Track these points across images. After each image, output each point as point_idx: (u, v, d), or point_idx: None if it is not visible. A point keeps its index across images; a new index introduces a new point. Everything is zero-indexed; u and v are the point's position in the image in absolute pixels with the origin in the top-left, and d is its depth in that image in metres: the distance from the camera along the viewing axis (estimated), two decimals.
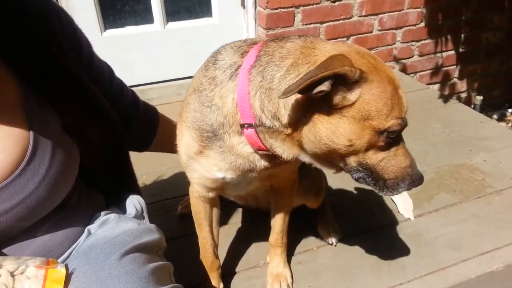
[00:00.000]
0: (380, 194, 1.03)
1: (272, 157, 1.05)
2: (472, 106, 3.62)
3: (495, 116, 3.58)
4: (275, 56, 0.94)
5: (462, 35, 3.35)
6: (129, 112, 1.35)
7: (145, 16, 2.80)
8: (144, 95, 2.80)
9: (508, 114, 3.74)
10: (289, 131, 0.94)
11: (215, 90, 1.01)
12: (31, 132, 0.93)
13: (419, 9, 3.12)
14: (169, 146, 1.62)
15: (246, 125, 0.97)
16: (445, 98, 2.78)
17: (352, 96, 0.87)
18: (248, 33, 2.94)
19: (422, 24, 3.20)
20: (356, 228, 1.72)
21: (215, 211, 1.34)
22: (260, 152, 1.03)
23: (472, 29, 3.35)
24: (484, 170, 2.05)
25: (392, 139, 0.93)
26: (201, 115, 1.04)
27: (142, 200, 1.30)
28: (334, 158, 0.98)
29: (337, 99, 0.87)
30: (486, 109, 3.68)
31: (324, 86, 0.83)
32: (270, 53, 0.95)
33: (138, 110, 1.41)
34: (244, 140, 1.02)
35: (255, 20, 2.87)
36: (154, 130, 1.48)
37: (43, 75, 0.99)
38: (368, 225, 1.74)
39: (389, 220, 1.76)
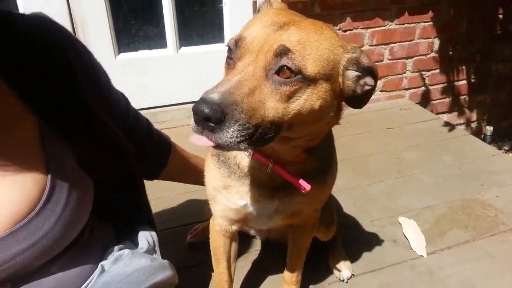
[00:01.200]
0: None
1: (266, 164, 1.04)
2: (482, 136, 3.60)
3: (505, 147, 3.56)
4: None
5: (473, 66, 3.36)
6: (143, 142, 1.36)
7: (158, 41, 2.83)
8: (155, 117, 2.81)
9: None
10: None
11: None
12: (49, 172, 0.93)
13: (430, 40, 3.14)
14: (179, 177, 1.62)
15: None
16: (456, 130, 2.77)
17: None
18: None
19: (433, 54, 3.21)
20: (368, 264, 1.69)
21: (234, 247, 1.33)
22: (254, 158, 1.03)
23: (482, 60, 3.36)
24: (497, 207, 2.03)
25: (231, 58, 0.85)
26: None
27: (154, 233, 1.30)
28: None
29: None
30: (496, 139, 3.67)
31: None
32: None
33: (152, 140, 1.41)
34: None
35: None
36: (165, 161, 1.48)
37: (59, 109, 0.99)
38: (380, 262, 1.71)
39: (402, 256, 1.74)
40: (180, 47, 2.88)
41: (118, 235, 1.25)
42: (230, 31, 2.91)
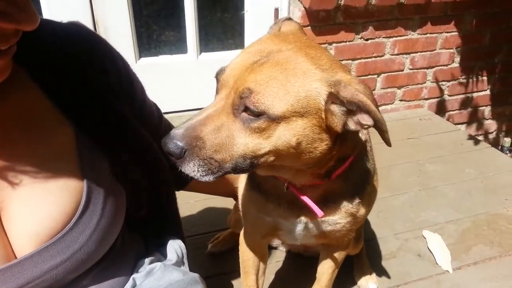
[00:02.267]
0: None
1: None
2: (499, 147, 3.56)
3: None
4: None
5: (493, 77, 3.32)
6: None
7: (179, 46, 2.83)
8: (174, 123, 2.80)
9: None
10: None
11: None
12: (85, 182, 0.91)
13: (451, 50, 3.12)
14: (208, 189, 1.61)
15: None
16: (478, 142, 2.73)
17: None
18: None
19: (454, 65, 3.19)
20: (393, 278, 1.67)
21: (263, 260, 1.32)
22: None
23: (503, 71, 3.32)
24: None
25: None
26: None
27: (183, 245, 1.28)
28: None
29: None
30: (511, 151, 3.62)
31: None
32: None
33: None
34: None
35: None
36: None
37: (95, 118, 0.98)
38: (406, 276, 1.69)
39: (427, 272, 1.71)
40: (201, 53, 2.89)
41: (147, 245, 1.24)
42: (251, 38, 2.90)
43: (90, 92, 0.98)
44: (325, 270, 1.33)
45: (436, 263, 1.75)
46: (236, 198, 1.69)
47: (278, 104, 0.77)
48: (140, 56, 2.78)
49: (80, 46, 0.98)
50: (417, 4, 2.83)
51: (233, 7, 2.85)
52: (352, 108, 0.79)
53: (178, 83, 2.88)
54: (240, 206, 1.23)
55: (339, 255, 1.29)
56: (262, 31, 3.14)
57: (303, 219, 1.09)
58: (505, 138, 3.60)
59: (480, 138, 3.49)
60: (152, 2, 2.71)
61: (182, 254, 1.27)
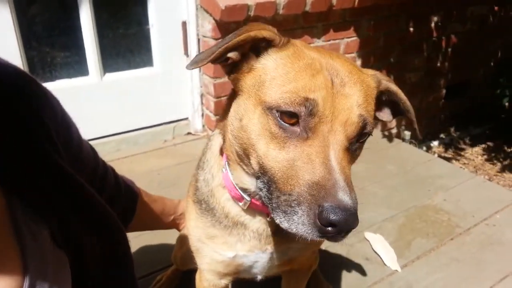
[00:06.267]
0: (274, 219, 0.73)
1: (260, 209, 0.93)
2: (401, 140, 3.85)
3: (424, 148, 3.84)
4: None
5: (391, 76, 3.58)
6: (113, 194, 1.17)
7: (79, 68, 2.54)
8: None
9: (433, 146, 4.04)
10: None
11: (207, 144, 1.02)
12: (25, 265, 0.73)
13: (353, 54, 3.28)
14: (147, 225, 1.44)
15: (223, 167, 0.93)
16: (390, 139, 2.90)
17: (256, 63, 0.79)
18: (192, 82, 2.81)
19: None
20: (349, 287, 1.65)
21: None
22: (240, 203, 0.92)
23: (398, 70, 3.60)
24: (447, 210, 2.13)
25: (293, 125, 0.71)
26: (197, 181, 1.02)
27: None
28: (247, 157, 0.79)
29: (243, 68, 0.80)
30: (412, 143, 3.94)
31: (233, 54, 0.78)
32: None
33: (120, 189, 1.23)
34: (228, 195, 0.94)
35: (200, 68, 2.77)
36: (133, 210, 1.30)
37: (30, 177, 0.78)
38: (360, 283, 1.68)
39: (378, 275, 1.72)
40: (105, 74, 2.62)
41: None
42: (159, 54, 2.72)
43: (24, 149, 0.77)
44: None
45: (384, 264, 1.77)
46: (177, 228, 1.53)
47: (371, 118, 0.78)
48: None
49: (13, 94, 0.78)
50: (320, 12, 2.92)
51: (137, 23, 2.65)
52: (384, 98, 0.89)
53: (81, 109, 2.57)
54: (191, 244, 1.09)
55: (303, 280, 1.22)
56: (171, 45, 2.96)
57: (269, 248, 0.99)
58: (405, 132, 3.91)
59: (385, 133, 3.74)
60: (42, 22, 2.39)
61: None
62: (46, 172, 0.80)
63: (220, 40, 0.74)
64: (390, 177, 2.44)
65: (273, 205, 0.71)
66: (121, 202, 1.23)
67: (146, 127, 2.83)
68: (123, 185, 1.27)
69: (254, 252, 1.00)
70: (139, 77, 2.72)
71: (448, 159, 3.51)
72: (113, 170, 1.25)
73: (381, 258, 1.80)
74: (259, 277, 1.11)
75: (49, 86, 2.51)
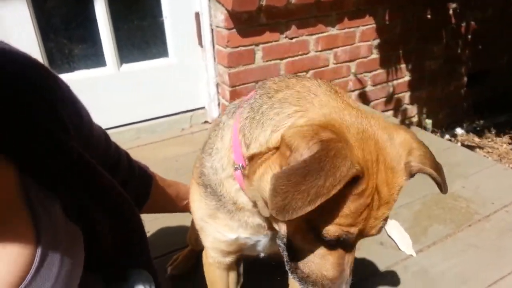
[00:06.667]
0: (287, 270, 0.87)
1: None
2: (423, 128, 3.78)
3: (447, 137, 3.76)
4: (271, 88, 0.86)
5: (409, 64, 3.52)
6: (126, 178, 1.20)
7: (96, 59, 2.59)
8: None
9: (457, 134, 3.96)
10: (246, 170, 0.83)
11: (218, 132, 0.97)
12: (37, 234, 0.76)
13: (369, 42, 3.23)
14: (161, 208, 1.48)
15: (236, 167, 0.87)
16: (411, 127, 2.85)
17: None
18: (207, 71, 2.83)
19: (373, 56, 3.31)
20: (362, 270, 1.64)
21: (232, 277, 1.21)
22: None
23: (417, 58, 3.53)
24: (466, 197, 2.09)
25: (327, 242, 0.77)
26: (203, 167, 0.99)
27: (151, 277, 1.12)
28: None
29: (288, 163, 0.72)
30: (434, 131, 3.87)
31: None
32: (267, 86, 0.87)
33: (134, 173, 1.26)
34: (239, 186, 0.91)
35: (214, 58, 2.78)
36: (147, 195, 1.33)
37: (41, 157, 0.81)
38: (373, 267, 1.66)
39: (393, 259, 1.70)
40: (121, 65, 2.66)
41: (107, 282, 1.08)
42: (174, 45, 2.75)
43: (34, 125, 0.80)
44: None
45: (399, 249, 1.75)
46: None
47: None
48: None
49: (24, 78, 0.81)
50: (333, 0, 2.90)
51: (151, 14, 2.68)
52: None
53: (99, 99, 2.63)
54: (196, 223, 1.11)
55: None
56: (185, 36, 2.98)
57: (269, 233, 1.00)
58: (427, 120, 3.84)
59: (405, 122, 3.69)
60: (59, 15, 2.44)
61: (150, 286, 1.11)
62: (58, 154, 0.83)
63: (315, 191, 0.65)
64: None
65: (291, 268, 0.85)
66: (135, 185, 1.25)
67: (164, 116, 2.88)
68: (137, 169, 1.29)
69: (256, 235, 1.01)
70: (155, 67, 2.75)
71: (471, 148, 3.44)
72: (127, 154, 1.28)
73: (396, 243, 1.78)
74: (262, 255, 1.12)
75: (68, 77, 2.59)
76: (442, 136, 3.72)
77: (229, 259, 1.12)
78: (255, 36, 2.71)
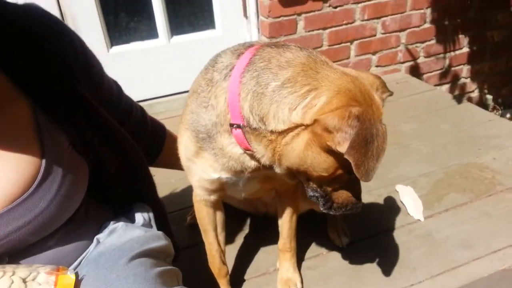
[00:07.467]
0: (322, 211, 1.12)
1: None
2: (482, 106, 3.58)
3: (508, 115, 3.52)
4: (272, 63, 0.95)
5: (468, 34, 3.33)
6: (137, 129, 1.38)
7: (149, 31, 2.85)
8: (151, 109, 2.83)
9: None
10: (272, 137, 0.96)
11: (211, 90, 1.04)
12: (43, 151, 0.95)
13: (422, 10, 3.12)
14: (174, 164, 1.64)
15: (235, 125, 0.99)
16: (453, 99, 2.76)
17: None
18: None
19: (426, 25, 3.19)
20: (365, 231, 1.71)
21: (219, 216, 1.35)
22: (248, 152, 1.04)
23: (477, 28, 3.32)
24: (494, 168, 2.03)
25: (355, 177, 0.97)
26: (197, 116, 1.07)
27: (150, 211, 1.32)
28: (301, 175, 1.04)
29: (335, 141, 0.89)
30: (496, 108, 3.64)
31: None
32: (266, 58, 0.96)
33: (147, 127, 1.44)
34: (234, 141, 1.03)
35: (258, 29, 2.90)
36: (160, 148, 1.50)
37: (52, 96, 1.01)
38: (378, 228, 1.73)
39: (399, 222, 1.75)
40: (172, 37, 2.90)
41: (115, 213, 1.28)
42: (220, 16, 2.92)
43: (47, 68, 1.01)
44: (284, 221, 1.37)
45: (408, 214, 1.79)
46: None
47: None
48: (112, 45, 2.80)
49: (36, 26, 1.01)
50: None
51: None
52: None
53: (153, 69, 2.90)
54: (182, 164, 1.23)
55: (292, 200, 1.34)
56: (231, 8, 3.14)
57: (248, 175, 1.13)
58: (487, 95, 3.62)
59: (463, 97, 3.51)
60: None
61: (150, 218, 1.30)
62: (62, 91, 1.03)
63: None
64: (441, 136, 2.36)
65: (326, 208, 1.11)
66: (147, 138, 1.43)
67: None
68: (151, 124, 1.47)
69: (235, 176, 1.14)
70: (203, 39, 2.95)
71: None
72: (142, 109, 1.46)
73: (406, 208, 1.82)
74: (243, 195, 1.27)
75: (125, 48, 2.88)
76: (504, 114, 3.49)
77: (213, 197, 1.26)
78: (297, 6, 2.77)
